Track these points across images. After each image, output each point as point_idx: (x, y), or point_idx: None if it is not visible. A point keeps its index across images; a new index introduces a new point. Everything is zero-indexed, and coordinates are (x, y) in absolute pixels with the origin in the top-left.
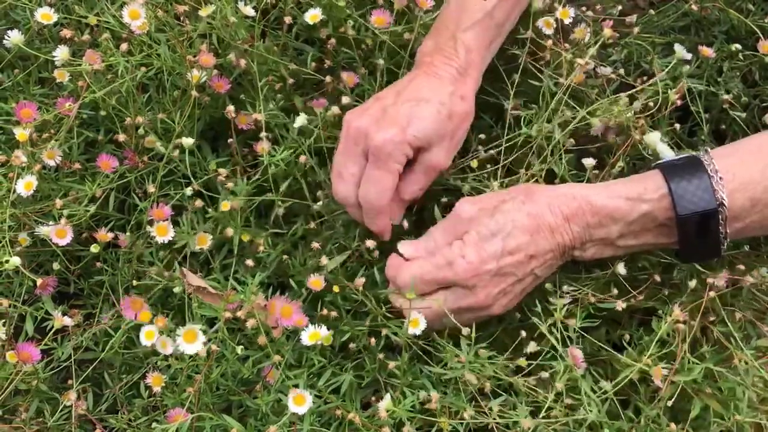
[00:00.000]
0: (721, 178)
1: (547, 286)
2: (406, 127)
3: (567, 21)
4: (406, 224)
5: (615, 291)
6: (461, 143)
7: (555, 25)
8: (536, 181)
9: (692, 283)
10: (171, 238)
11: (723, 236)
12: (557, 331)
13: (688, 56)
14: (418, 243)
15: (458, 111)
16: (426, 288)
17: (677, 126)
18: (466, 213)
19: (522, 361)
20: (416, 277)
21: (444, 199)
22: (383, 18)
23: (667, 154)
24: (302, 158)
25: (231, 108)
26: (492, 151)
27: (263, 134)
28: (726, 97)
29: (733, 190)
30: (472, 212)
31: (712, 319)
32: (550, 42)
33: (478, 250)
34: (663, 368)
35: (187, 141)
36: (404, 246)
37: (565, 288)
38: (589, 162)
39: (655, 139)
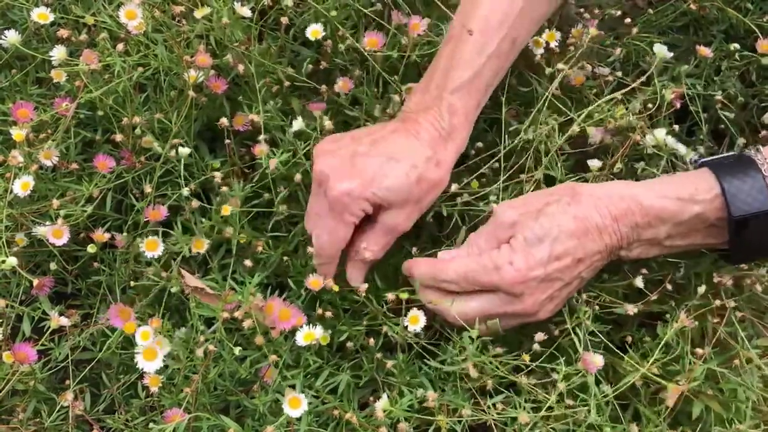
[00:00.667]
0: None
1: None
2: (369, 182)
3: (553, 44)
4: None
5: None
6: (426, 208)
7: (558, 39)
8: (537, 185)
9: (702, 289)
10: (160, 254)
11: None
12: (580, 334)
13: (669, 55)
14: (461, 251)
15: (430, 177)
16: (467, 287)
17: (675, 127)
18: (508, 218)
19: (525, 357)
20: (460, 274)
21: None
22: (376, 40)
23: (680, 148)
24: (297, 177)
25: (224, 120)
26: (489, 163)
27: (261, 137)
28: (718, 96)
29: None
30: (515, 216)
31: (716, 320)
32: (539, 56)
33: (526, 256)
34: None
35: (184, 151)
36: (445, 254)
37: (584, 296)
38: (594, 164)
39: (661, 135)
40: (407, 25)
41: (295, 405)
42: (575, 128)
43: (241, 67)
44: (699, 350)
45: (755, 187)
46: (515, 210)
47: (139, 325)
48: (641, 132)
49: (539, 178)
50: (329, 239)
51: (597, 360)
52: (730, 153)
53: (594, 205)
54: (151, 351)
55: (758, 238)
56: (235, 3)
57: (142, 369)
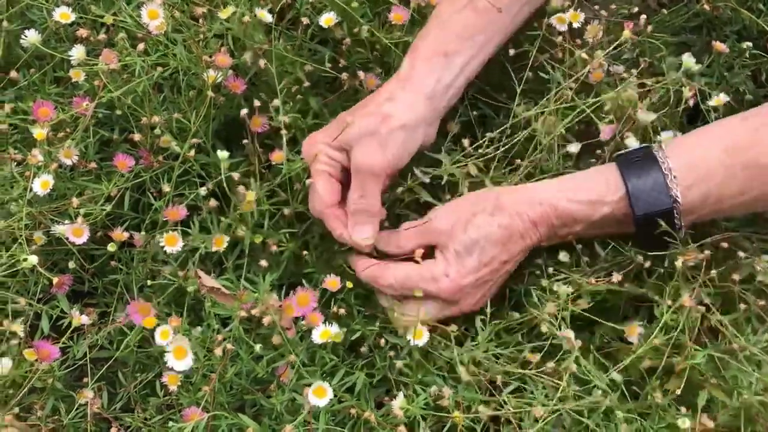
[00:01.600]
0: (675, 176)
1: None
2: (331, 130)
3: (576, 24)
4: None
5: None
6: (395, 144)
7: (567, 22)
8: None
9: (679, 263)
10: (180, 249)
11: (678, 227)
12: (560, 318)
13: (696, 67)
14: (390, 237)
15: (383, 111)
16: (405, 293)
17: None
18: (440, 224)
19: (531, 356)
20: (399, 281)
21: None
22: (401, 15)
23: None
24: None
25: (244, 111)
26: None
27: (283, 134)
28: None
29: (686, 188)
30: (447, 224)
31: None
32: (560, 38)
33: (459, 267)
34: (669, 358)
35: (223, 154)
36: (380, 235)
37: (551, 270)
38: (572, 149)
39: (647, 119)
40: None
41: (321, 394)
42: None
43: (262, 63)
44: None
45: (656, 187)
46: (446, 218)
47: (158, 324)
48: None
49: (536, 166)
50: (311, 196)
51: (569, 333)
52: (641, 146)
53: (516, 212)
54: (181, 350)
55: (660, 230)
56: (257, 9)
57: (172, 368)
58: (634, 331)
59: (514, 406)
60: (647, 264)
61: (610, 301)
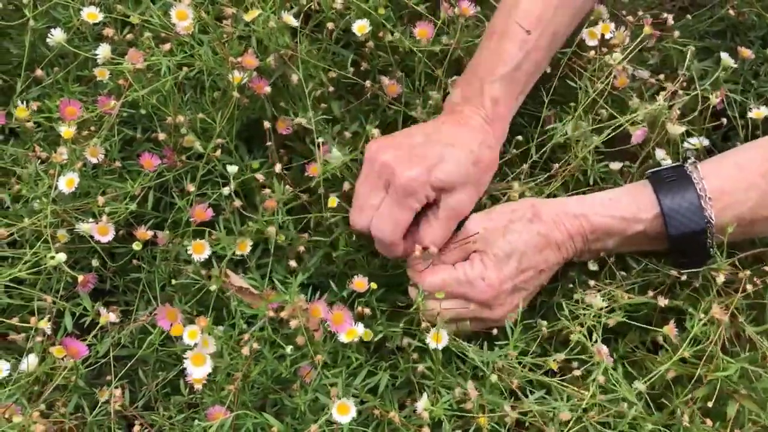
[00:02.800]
0: (709, 198)
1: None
2: (432, 168)
3: (609, 35)
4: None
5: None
6: (484, 190)
7: (599, 36)
8: (565, 182)
9: (720, 278)
10: (207, 256)
11: (710, 246)
12: (589, 331)
13: (735, 65)
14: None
15: (485, 159)
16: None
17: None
18: (475, 229)
19: (553, 364)
20: (436, 285)
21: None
22: (426, 30)
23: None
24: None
25: (267, 124)
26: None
27: (319, 142)
28: (758, 111)
29: (720, 210)
30: (480, 231)
31: (741, 319)
32: (592, 53)
33: (497, 272)
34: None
35: (232, 169)
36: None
37: (591, 283)
38: (615, 166)
39: (677, 132)
40: (457, 13)
41: (344, 411)
42: (616, 128)
43: (295, 78)
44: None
45: (690, 209)
46: (482, 225)
47: (184, 325)
48: (671, 121)
49: (574, 174)
50: (392, 227)
51: (603, 348)
52: (674, 165)
53: (553, 221)
54: (200, 357)
55: (695, 250)
56: (283, 12)
57: (191, 374)
58: (671, 330)
59: (538, 412)
60: (682, 277)
61: (640, 311)
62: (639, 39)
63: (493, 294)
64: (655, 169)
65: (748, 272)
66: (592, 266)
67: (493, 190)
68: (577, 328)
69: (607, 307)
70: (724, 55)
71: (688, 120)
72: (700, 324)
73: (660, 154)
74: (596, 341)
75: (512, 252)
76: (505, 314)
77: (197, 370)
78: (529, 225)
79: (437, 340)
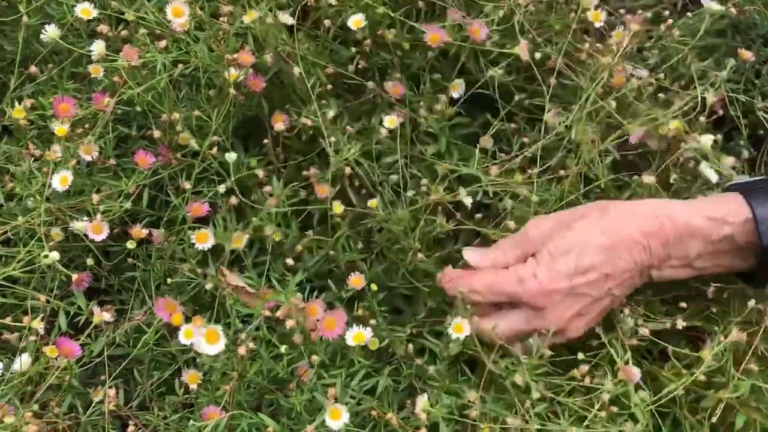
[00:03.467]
0: None
1: None
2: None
3: (598, 24)
4: None
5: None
6: None
7: (604, 19)
8: (579, 181)
9: (752, 303)
10: (211, 246)
11: None
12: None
13: (720, 7)
14: (486, 253)
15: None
16: (493, 298)
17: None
18: (537, 230)
19: (576, 372)
20: (485, 285)
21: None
22: (438, 36)
23: (712, 177)
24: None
25: (279, 126)
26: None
27: (331, 141)
28: (761, 104)
29: None
30: (544, 230)
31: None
32: (587, 45)
33: (549, 269)
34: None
35: (231, 156)
36: (470, 253)
37: (626, 311)
38: (649, 179)
39: (708, 142)
40: (465, 27)
41: (336, 416)
42: (618, 133)
43: (297, 71)
44: (752, 367)
45: None
46: (547, 223)
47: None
48: (692, 137)
49: (580, 173)
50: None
51: (635, 371)
52: (761, 177)
53: (624, 218)
54: (213, 333)
55: None
56: (279, 12)
57: (205, 352)
58: (708, 354)
59: (541, 424)
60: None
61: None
62: (631, 34)
63: (543, 292)
64: (739, 180)
65: None
66: None
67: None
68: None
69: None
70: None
71: (688, 121)
72: (720, 347)
73: (705, 167)
74: (627, 361)
75: (570, 248)
76: (562, 321)
77: (211, 348)
78: (593, 223)
79: (459, 330)
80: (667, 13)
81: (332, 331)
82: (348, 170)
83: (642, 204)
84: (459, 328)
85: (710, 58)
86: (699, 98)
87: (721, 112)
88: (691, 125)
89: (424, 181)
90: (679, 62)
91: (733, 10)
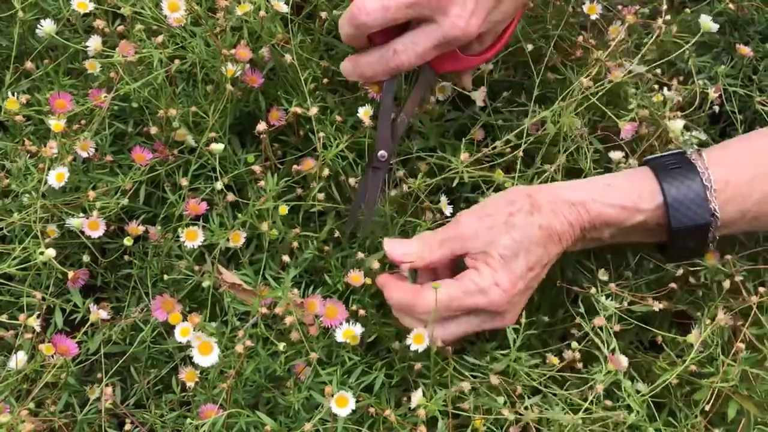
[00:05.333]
0: (715, 189)
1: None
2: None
3: (593, 17)
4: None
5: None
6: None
7: (600, 12)
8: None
9: (726, 284)
10: (200, 243)
11: (711, 241)
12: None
13: (715, 27)
14: (408, 246)
15: None
16: (450, 314)
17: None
18: (470, 230)
19: (554, 359)
20: (443, 303)
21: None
22: None
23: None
24: (325, 172)
25: (262, 125)
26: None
27: (321, 137)
28: (759, 98)
29: (724, 202)
30: (480, 228)
31: (740, 322)
32: (581, 38)
33: (509, 274)
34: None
35: (217, 146)
36: (391, 245)
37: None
38: (616, 155)
39: (678, 126)
40: None
41: (343, 404)
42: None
43: (288, 58)
44: (740, 345)
45: (695, 201)
46: (478, 222)
47: (182, 314)
48: (668, 118)
49: (561, 165)
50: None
51: (623, 360)
52: (676, 151)
53: (552, 211)
54: (207, 345)
55: (692, 244)
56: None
57: (199, 363)
58: (695, 339)
59: (534, 417)
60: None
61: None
62: (625, 26)
63: (509, 299)
64: (656, 155)
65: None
66: (603, 276)
67: (480, 178)
68: (590, 327)
69: (618, 307)
70: (703, 17)
71: (686, 115)
72: (708, 331)
73: (678, 124)
74: (614, 349)
75: (518, 250)
76: (515, 317)
77: (204, 359)
78: (529, 218)
79: (419, 341)
80: (665, 8)
81: (334, 319)
82: (326, 171)
83: (560, 191)
84: (419, 339)
85: (708, 54)
86: (697, 93)
87: (717, 108)
88: (690, 120)
89: (400, 172)
90: (677, 58)
91: (731, 6)
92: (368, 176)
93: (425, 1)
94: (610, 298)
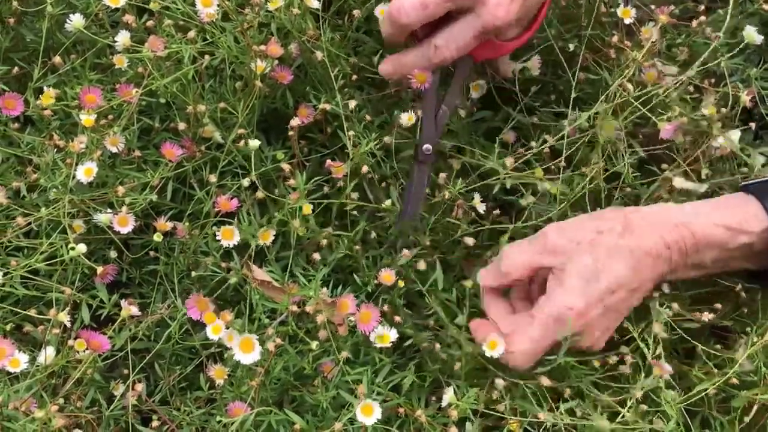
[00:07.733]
0: None
1: None
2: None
3: (628, 21)
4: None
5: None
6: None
7: (633, 16)
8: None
9: None
10: (237, 242)
11: None
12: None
13: (759, 39)
14: (496, 269)
15: None
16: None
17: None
18: (557, 244)
19: (596, 361)
20: (531, 355)
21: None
22: None
23: (759, 159)
24: (364, 168)
25: (294, 122)
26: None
27: (350, 135)
28: None
29: None
30: (563, 243)
31: None
32: (615, 38)
33: (584, 297)
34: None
35: (254, 143)
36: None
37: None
38: (680, 182)
39: (736, 137)
40: None
41: (368, 413)
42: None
43: (319, 55)
44: None
45: None
46: (565, 236)
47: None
48: (719, 132)
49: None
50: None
51: (668, 366)
52: None
53: (648, 232)
54: (249, 343)
55: None
56: None
57: (240, 362)
58: (741, 354)
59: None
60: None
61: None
62: (652, 25)
63: (583, 323)
64: (755, 180)
65: None
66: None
67: (518, 180)
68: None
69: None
70: (748, 28)
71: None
72: (754, 347)
73: (735, 135)
74: (659, 356)
75: (599, 270)
76: (595, 341)
77: (246, 357)
78: (619, 239)
79: (494, 347)
80: (702, 8)
81: (368, 325)
82: (365, 168)
83: (661, 213)
84: (493, 345)
85: (740, 56)
86: (730, 95)
87: (750, 105)
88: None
89: (442, 175)
90: (709, 59)
91: (765, 6)
92: (414, 171)
93: None
94: (664, 306)
